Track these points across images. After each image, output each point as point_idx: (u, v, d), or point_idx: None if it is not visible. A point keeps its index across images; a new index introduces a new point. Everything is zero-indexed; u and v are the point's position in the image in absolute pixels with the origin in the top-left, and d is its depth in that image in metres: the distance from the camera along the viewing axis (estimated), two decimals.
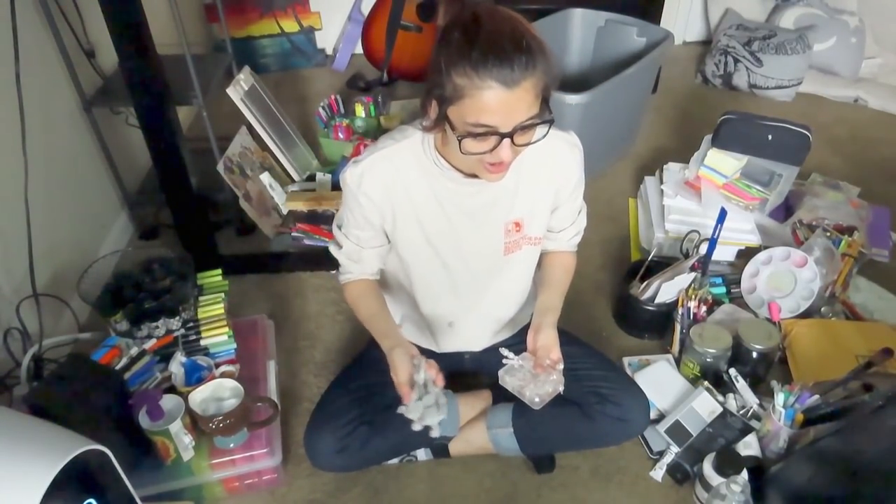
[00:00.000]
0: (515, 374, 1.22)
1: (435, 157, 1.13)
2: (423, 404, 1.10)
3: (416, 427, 1.09)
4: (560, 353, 1.20)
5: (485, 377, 1.51)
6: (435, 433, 1.10)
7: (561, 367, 1.20)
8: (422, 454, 1.42)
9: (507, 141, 0.97)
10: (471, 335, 1.39)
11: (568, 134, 1.20)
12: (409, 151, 1.14)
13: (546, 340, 1.20)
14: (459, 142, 0.99)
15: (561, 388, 1.20)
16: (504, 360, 1.23)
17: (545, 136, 1.02)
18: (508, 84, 0.91)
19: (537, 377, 1.20)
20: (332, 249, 1.30)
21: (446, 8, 0.99)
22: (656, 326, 1.70)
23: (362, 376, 1.37)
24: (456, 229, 1.20)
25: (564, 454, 1.43)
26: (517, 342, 1.37)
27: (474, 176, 1.12)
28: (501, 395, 1.48)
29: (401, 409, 1.11)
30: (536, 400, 1.19)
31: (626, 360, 1.63)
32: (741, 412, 1.44)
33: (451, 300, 1.31)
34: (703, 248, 1.78)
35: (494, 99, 0.93)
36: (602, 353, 1.42)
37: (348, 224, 1.23)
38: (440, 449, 1.42)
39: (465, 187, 1.15)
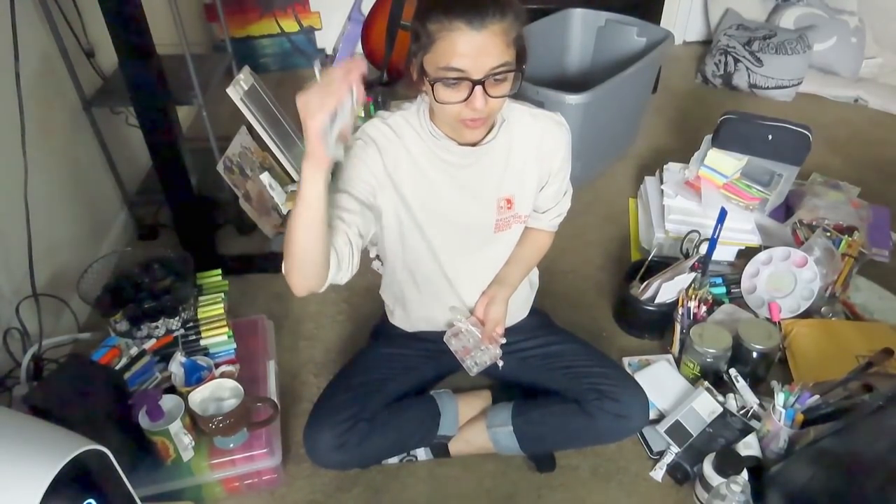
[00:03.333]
0: (461, 338, 1.29)
1: (430, 126, 1.14)
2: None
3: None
4: (504, 328, 1.28)
5: (484, 377, 1.50)
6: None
7: (502, 341, 1.28)
8: (422, 454, 1.42)
9: (479, 90, 0.99)
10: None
11: (555, 114, 1.24)
12: (405, 120, 1.16)
13: (496, 314, 1.28)
14: (433, 89, 1.01)
15: (500, 363, 1.29)
16: (454, 321, 1.29)
17: (517, 88, 1.04)
18: (476, 26, 0.95)
19: (479, 346, 1.28)
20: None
21: None
22: (656, 326, 1.70)
23: (362, 373, 1.37)
24: (448, 200, 1.21)
25: (565, 454, 1.43)
26: (515, 334, 1.38)
27: (469, 146, 1.15)
28: (501, 396, 1.48)
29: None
30: (474, 368, 1.28)
31: (626, 360, 1.63)
32: (741, 412, 1.44)
33: (442, 273, 1.30)
34: (703, 248, 1.78)
35: (463, 40, 0.96)
36: (601, 351, 1.43)
37: (343, 177, 1.13)
38: (440, 449, 1.42)
39: (458, 158, 1.16)
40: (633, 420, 1.32)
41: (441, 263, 1.29)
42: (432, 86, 1.01)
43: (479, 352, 1.28)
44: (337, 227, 1.09)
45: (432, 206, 1.21)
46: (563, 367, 1.36)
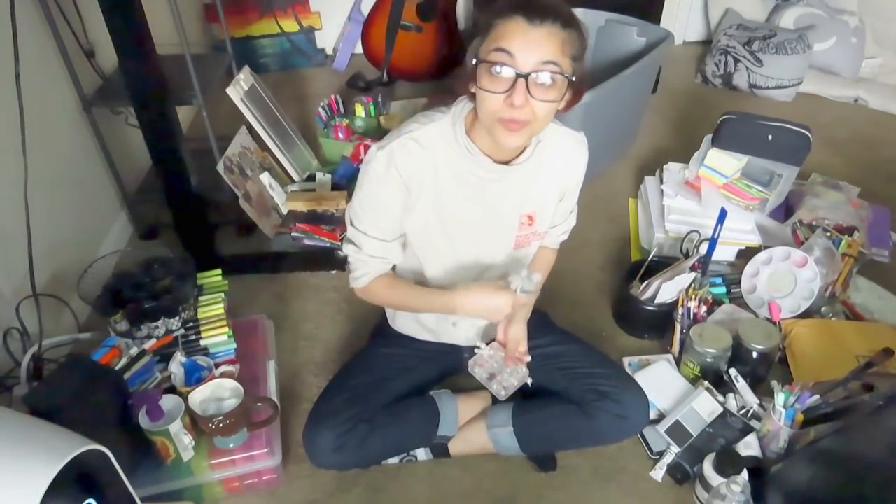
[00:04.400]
0: (484, 364, 1.27)
1: (466, 141, 1.13)
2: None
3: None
4: (527, 346, 1.27)
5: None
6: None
7: (528, 359, 1.27)
8: (421, 454, 1.42)
9: (521, 83, 0.97)
10: (470, 329, 1.38)
11: (578, 133, 1.24)
12: (438, 134, 1.14)
13: (516, 334, 1.27)
14: (477, 73, 1.01)
15: (529, 381, 1.27)
16: (475, 350, 1.28)
17: (564, 103, 1.05)
18: (535, 22, 0.96)
19: (504, 369, 1.26)
20: (350, 250, 1.24)
21: None
22: (656, 326, 1.70)
23: (361, 374, 1.37)
24: (474, 217, 1.21)
25: (565, 454, 1.43)
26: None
27: (503, 163, 1.14)
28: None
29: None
30: (502, 392, 1.26)
31: (626, 360, 1.63)
32: (741, 412, 1.44)
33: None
34: (703, 248, 1.78)
35: (518, 28, 0.97)
36: (601, 352, 1.43)
37: (371, 218, 1.19)
38: (440, 449, 1.42)
39: (488, 173, 1.15)
40: (634, 420, 1.32)
41: (455, 278, 1.28)
42: (477, 69, 1.01)
43: (506, 375, 1.27)
44: (395, 252, 1.24)
45: (454, 220, 1.21)
46: (562, 367, 1.36)
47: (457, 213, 1.20)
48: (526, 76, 0.97)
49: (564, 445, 1.42)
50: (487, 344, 1.30)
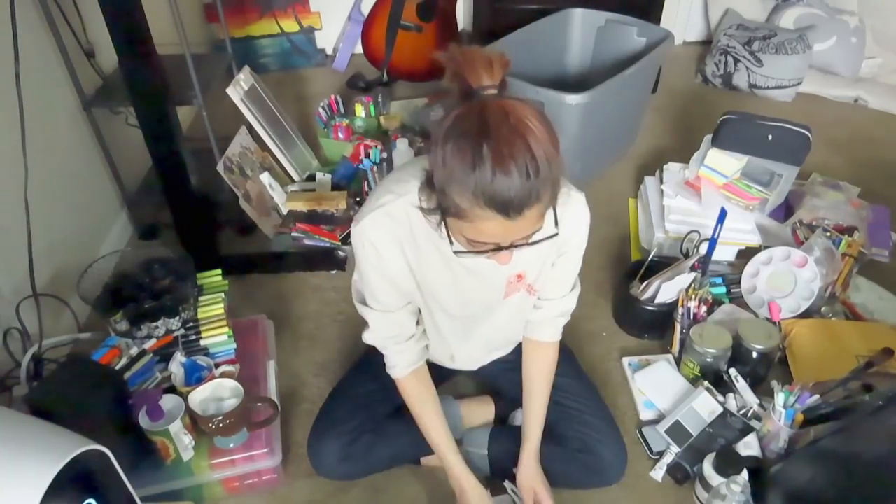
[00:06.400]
0: None
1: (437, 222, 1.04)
2: None
3: None
4: (548, 493, 1.26)
5: (483, 380, 1.52)
6: None
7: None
8: None
9: (506, 250, 0.91)
10: (467, 360, 1.39)
11: (579, 192, 1.12)
12: (412, 206, 1.03)
13: (529, 481, 1.27)
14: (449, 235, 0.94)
15: None
16: (509, 491, 1.31)
17: (551, 237, 0.93)
18: (512, 216, 0.84)
19: None
20: (366, 337, 1.23)
21: (451, 94, 0.88)
22: (656, 326, 1.70)
23: (364, 383, 1.37)
24: (459, 284, 1.16)
25: None
26: (513, 359, 1.38)
27: None
28: (501, 402, 1.48)
29: None
30: None
31: (626, 360, 1.63)
32: (741, 412, 1.44)
33: (451, 336, 1.30)
34: (703, 248, 1.78)
35: (495, 227, 0.86)
36: (594, 389, 1.40)
37: (370, 294, 1.17)
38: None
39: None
40: (608, 477, 1.32)
41: (442, 329, 1.27)
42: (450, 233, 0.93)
43: None
44: (403, 322, 1.20)
45: (440, 289, 1.17)
46: (554, 400, 1.33)
47: (437, 279, 1.15)
48: (510, 247, 0.91)
49: None
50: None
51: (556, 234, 0.92)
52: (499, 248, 0.91)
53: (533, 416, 1.30)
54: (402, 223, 1.06)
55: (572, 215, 1.11)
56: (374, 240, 1.07)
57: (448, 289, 1.17)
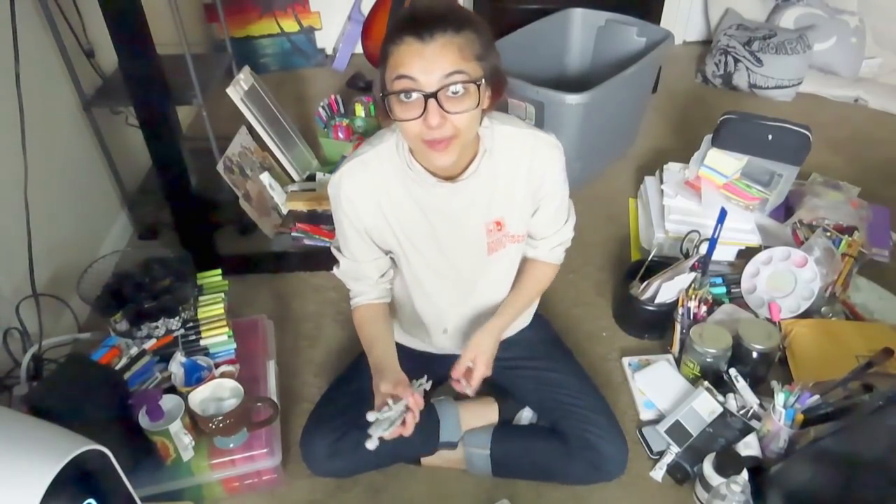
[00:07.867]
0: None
1: (409, 159, 1.11)
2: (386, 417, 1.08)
3: (369, 445, 1.06)
4: (484, 370, 1.23)
5: (485, 381, 1.51)
6: (369, 445, 1.06)
7: (476, 384, 1.24)
8: None
9: (433, 104, 0.95)
10: (458, 333, 1.37)
11: (548, 135, 1.17)
12: (386, 155, 1.13)
13: (475, 348, 1.24)
14: (388, 107, 0.99)
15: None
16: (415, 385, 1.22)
17: (485, 105, 1.02)
18: (424, 38, 0.93)
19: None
20: (335, 271, 1.29)
21: None
22: (656, 326, 1.70)
23: (355, 380, 1.37)
24: (437, 232, 1.18)
25: None
26: (514, 357, 1.38)
27: (449, 179, 1.11)
28: (506, 404, 1.47)
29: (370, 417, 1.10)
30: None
31: (626, 360, 1.63)
32: (741, 412, 1.44)
33: (441, 300, 1.30)
34: (703, 248, 1.78)
35: (410, 50, 0.94)
36: (595, 387, 1.40)
37: (342, 240, 1.23)
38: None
39: (440, 189, 1.12)
40: (608, 474, 1.32)
41: (432, 294, 1.27)
42: (387, 102, 0.99)
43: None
44: (368, 273, 1.24)
45: (419, 239, 1.19)
46: (555, 398, 1.34)
47: (415, 228, 1.18)
48: (434, 95, 0.95)
49: (534, 478, 1.39)
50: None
51: (479, 79, 0.97)
52: (425, 98, 0.95)
53: (509, 302, 1.30)
54: (376, 171, 1.13)
55: (541, 160, 1.16)
56: (348, 191, 1.14)
57: (426, 238, 1.19)
